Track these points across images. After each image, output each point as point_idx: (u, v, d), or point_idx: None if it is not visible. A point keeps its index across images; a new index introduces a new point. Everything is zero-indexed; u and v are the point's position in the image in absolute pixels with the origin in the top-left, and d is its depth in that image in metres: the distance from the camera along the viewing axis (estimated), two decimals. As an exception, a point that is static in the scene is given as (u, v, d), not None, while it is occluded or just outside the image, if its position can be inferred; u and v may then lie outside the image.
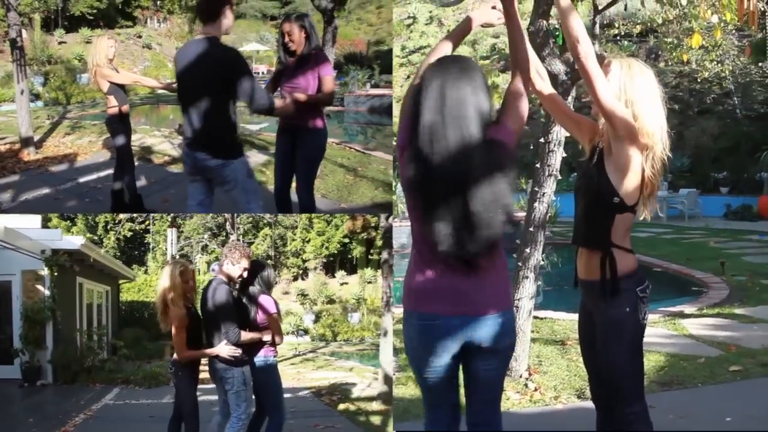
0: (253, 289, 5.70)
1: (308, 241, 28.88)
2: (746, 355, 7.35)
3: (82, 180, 9.94)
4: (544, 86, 3.87)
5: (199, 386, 5.78)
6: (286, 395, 6.14)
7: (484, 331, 3.17)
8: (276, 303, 5.79)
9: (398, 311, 10.77)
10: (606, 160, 3.49)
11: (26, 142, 11.63)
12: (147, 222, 28.49)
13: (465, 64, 3.19)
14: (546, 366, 7.20)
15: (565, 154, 6.63)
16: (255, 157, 11.58)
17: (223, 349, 5.38)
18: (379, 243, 18.60)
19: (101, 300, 16.95)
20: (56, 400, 10.89)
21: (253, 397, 5.73)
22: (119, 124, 7.61)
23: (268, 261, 16.21)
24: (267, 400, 5.80)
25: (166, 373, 12.77)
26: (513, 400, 6.24)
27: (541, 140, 6.57)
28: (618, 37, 23.64)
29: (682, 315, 9.34)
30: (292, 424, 5.87)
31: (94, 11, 26.45)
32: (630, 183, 3.46)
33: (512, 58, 3.39)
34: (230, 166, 4.94)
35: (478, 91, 3.11)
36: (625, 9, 9.11)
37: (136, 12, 31.23)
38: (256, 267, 5.73)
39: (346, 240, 28.33)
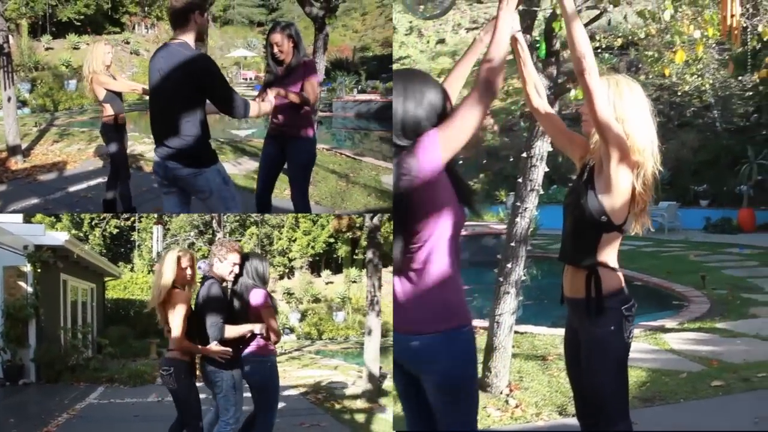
0: (245, 282, 5.57)
1: (294, 241, 29.09)
2: (728, 369, 7.34)
3: (71, 189, 9.81)
4: (542, 104, 3.87)
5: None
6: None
7: None
8: (268, 296, 5.61)
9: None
10: (596, 178, 3.47)
11: (13, 150, 11.41)
12: (133, 219, 28.27)
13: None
14: (527, 382, 7.17)
15: (547, 169, 6.61)
16: (246, 164, 11.63)
17: (213, 348, 5.29)
18: (363, 243, 18.74)
19: (86, 297, 16.72)
20: (39, 399, 10.77)
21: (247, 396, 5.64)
22: (114, 133, 7.50)
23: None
24: (262, 400, 5.62)
25: (152, 372, 12.69)
26: (494, 417, 6.20)
27: (524, 155, 6.55)
28: (599, 50, 23.72)
29: (664, 329, 9.33)
30: (278, 422, 5.77)
31: (82, 17, 26.36)
32: (618, 202, 3.44)
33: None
34: (203, 175, 4.80)
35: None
36: (609, 24, 9.11)
37: (124, 18, 31.16)
38: (248, 260, 5.62)
39: (332, 240, 28.64)
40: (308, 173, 6.50)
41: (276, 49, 5.93)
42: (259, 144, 12.36)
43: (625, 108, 3.45)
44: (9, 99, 11.18)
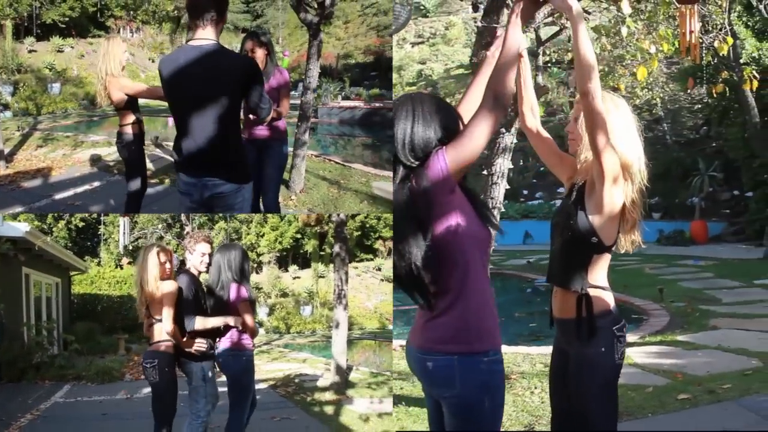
0: (225, 277, 5.53)
1: (262, 236, 29.16)
2: (693, 382, 7.35)
3: (58, 196, 9.41)
4: (535, 124, 3.81)
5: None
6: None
7: None
8: (244, 290, 5.55)
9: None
10: (587, 198, 3.43)
11: None
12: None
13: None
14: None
15: (508, 186, 6.59)
16: None
17: (192, 341, 5.33)
18: (331, 237, 18.87)
19: (51, 292, 16.13)
20: (0, 399, 10.30)
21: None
22: (138, 143, 6.40)
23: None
24: (235, 395, 5.61)
25: (120, 368, 12.47)
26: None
27: (484, 172, 6.51)
28: (548, 65, 23.96)
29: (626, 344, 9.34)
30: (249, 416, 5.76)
31: (66, 19, 26.04)
32: (609, 224, 3.43)
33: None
34: (241, 191, 4.46)
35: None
36: (569, 40, 9.14)
37: (109, 21, 30.79)
38: (228, 254, 5.59)
39: (299, 235, 28.71)
40: (282, 175, 6.68)
41: (250, 56, 5.99)
42: None
43: (612, 125, 3.39)
44: None
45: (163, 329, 5.26)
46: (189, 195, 4.48)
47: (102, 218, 27.61)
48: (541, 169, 24.64)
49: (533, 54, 7.40)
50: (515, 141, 6.51)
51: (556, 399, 3.77)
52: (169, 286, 5.29)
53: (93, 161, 11.03)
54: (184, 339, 5.33)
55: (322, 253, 27.57)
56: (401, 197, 3.07)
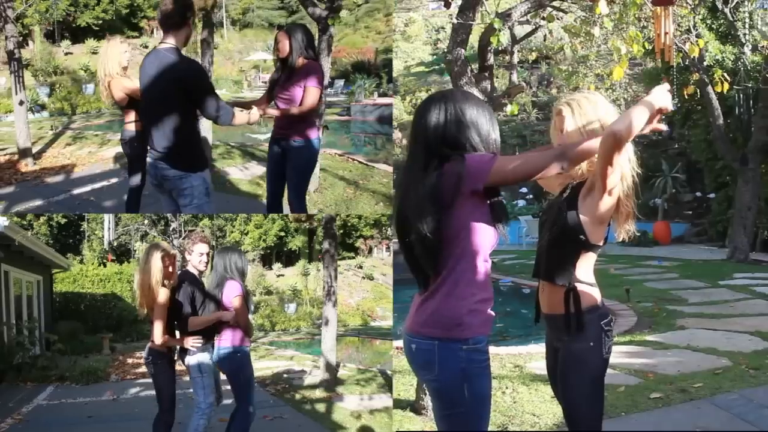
0: (222, 275, 5.72)
1: (246, 234, 29.52)
2: (664, 381, 7.38)
3: (75, 192, 9.75)
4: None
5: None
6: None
7: None
8: (238, 285, 5.72)
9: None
10: (581, 199, 3.45)
11: (24, 152, 11.74)
12: None
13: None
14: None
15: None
16: (253, 169, 11.70)
17: (186, 338, 5.55)
18: (320, 234, 18.90)
19: (32, 291, 15.78)
20: None
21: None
22: (139, 142, 6.52)
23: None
24: (238, 391, 5.78)
25: (105, 368, 12.32)
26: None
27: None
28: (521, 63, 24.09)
29: (595, 343, 9.36)
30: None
31: (100, 22, 25.98)
32: (600, 225, 3.48)
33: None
34: (188, 179, 4.98)
35: None
36: (544, 39, 9.19)
37: (142, 22, 30.78)
38: (226, 254, 5.78)
39: (282, 233, 29.22)
40: (305, 178, 6.53)
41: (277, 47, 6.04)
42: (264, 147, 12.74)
43: (594, 125, 3.46)
44: (21, 103, 11.62)
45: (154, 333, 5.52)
46: (149, 174, 5.22)
47: (85, 215, 27.37)
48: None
49: (506, 52, 7.41)
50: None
51: (557, 394, 3.79)
52: (161, 296, 5.47)
53: (116, 159, 11.37)
54: (178, 338, 5.62)
55: (312, 248, 27.79)
56: (431, 181, 3.15)
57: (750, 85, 16.46)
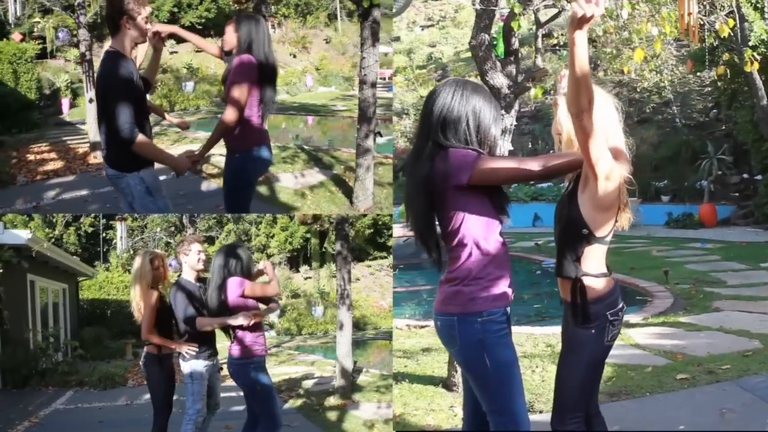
0: (223, 274, 5.53)
1: (272, 237, 29.14)
2: (692, 363, 7.40)
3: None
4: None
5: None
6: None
7: None
8: (240, 281, 5.50)
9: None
10: (580, 192, 3.51)
11: (94, 146, 12.77)
12: (108, 218, 27.90)
13: None
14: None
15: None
16: (310, 177, 11.29)
17: (179, 342, 5.62)
18: (332, 236, 18.77)
19: (58, 298, 16.31)
20: (1, 405, 10.43)
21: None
22: None
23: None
24: (257, 404, 5.62)
25: (123, 374, 12.58)
26: (461, 416, 6.17)
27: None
28: (557, 47, 23.92)
29: (628, 325, 9.36)
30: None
31: (203, 20, 26.35)
32: (602, 217, 3.51)
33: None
34: (124, 179, 4.90)
35: None
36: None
37: None
38: (228, 254, 5.59)
39: (309, 235, 28.65)
40: (232, 191, 5.93)
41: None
42: (340, 155, 12.96)
43: (605, 120, 3.50)
44: (90, 101, 12.66)
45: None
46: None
47: (111, 224, 27.76)
48: (551, 152, 24.62)
49: (551, 36, 7.42)
50: (515, 124, 6.54)
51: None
52: (151, 297, 5.60)
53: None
54: (174, 343, 5.70)
55: (324, 250, 27.51)
56: (423, 171, 3.44)
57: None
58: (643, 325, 9.41)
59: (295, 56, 28.69)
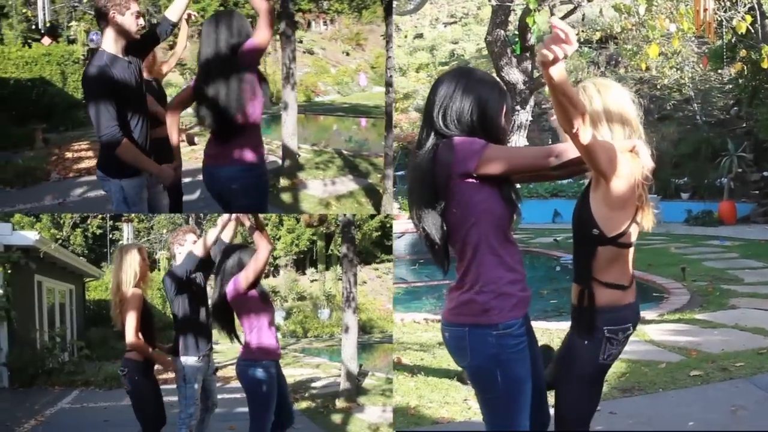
0: (225, 273, 5.31)
1: (278, 239, 28.87)
2: (707, 359, 7.41)
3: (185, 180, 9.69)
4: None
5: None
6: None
7: None
8: (236, 282, 5.18)
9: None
10: (592, 191, 3.32)
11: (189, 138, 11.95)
12: (115, 219, 28.03)
13: None
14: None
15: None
16: (341, 185, 11.06)
17: (161, 357, 5.50)
18: (339, 238, 18.67)
19: (64, 299, 16.45)
20: (8, 404, 10.53)
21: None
22: None
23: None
24: (251, 408, 5.15)
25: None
26: (474, 409, 6.21)
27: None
28: (578, 44, 23.83)
29: (644, 321, 9.37)
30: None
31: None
32: (615, 216, 3.27)
33: None
34: (108, 183, 4.80)
35: None
36: (583, 19, 9.16)
37: (297, 16, 30.63)
38: (230, 254, 5.34)
39: (315, 237, 28.45)
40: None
41: None
42: (380, 161, 12.22)
43: (595, 108, 3.32)
44: None
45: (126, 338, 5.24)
46: None
47: (118, 225, 27.77)
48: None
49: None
50: (531, 119, 6.57)
51: None
52: (135, 298, 5.25)
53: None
54: (152, 350, 5.36)
55: (329, 253, 27.40)
56: (425, 161, 3.20)
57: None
58: (658, 322, 9.42)
59: (348, 54, 28.26)
